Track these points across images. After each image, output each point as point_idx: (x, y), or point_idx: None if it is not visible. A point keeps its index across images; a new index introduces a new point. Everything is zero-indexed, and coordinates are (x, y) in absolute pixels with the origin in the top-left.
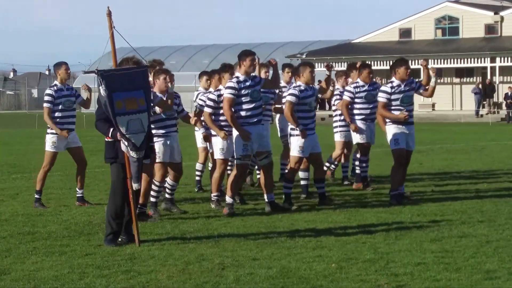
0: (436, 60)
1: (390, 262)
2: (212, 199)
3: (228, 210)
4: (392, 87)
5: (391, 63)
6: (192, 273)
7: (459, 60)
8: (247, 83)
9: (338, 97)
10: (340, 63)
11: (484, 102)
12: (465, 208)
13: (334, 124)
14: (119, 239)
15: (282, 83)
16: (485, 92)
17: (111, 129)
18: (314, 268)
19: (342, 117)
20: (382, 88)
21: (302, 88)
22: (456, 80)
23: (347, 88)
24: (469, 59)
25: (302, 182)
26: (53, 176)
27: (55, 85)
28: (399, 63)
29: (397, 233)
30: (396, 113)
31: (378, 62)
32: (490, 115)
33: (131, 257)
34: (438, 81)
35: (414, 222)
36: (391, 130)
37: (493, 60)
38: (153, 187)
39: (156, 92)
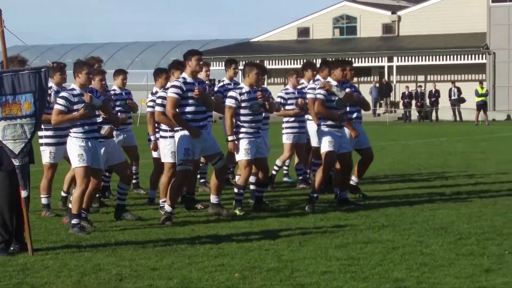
0: (334, 59)
1: (295, 271)
2: (161, 205)
3: (166, 219)
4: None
5: (289, 63)
6: (88, 285)
7: (356, 59)
8: (194, 86)
9: (279, 99)
10: (238, 62)
11: (381, 101)
12: (369, 212)
13: (283, 126)
14: (11, 248)
15: (226, 80)
16: (382, 91)
17: None
18: (217, 278)
19: (290, 119)
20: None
21: (244, 90)
22: (354, 79)
23: (312, 86)
24: (366, 59)
25: (251, 187)
26: None
27: None
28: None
29: (301, 239)
30: None
31: (276, 61)
32: (387, 114)
33: (23, 268)
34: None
35: (318, 227)
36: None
37: (390, 59)
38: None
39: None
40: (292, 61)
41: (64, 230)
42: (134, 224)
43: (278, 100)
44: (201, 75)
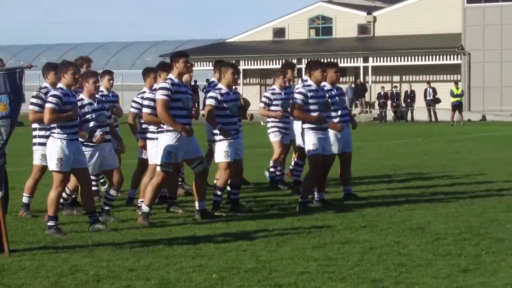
0: (309, 60)
1: (273, 272)
2: (139, 204)
3: (143, 219)
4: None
5: (264, 63)
6: (65, 286)
7: (332, 59)
8: (181, 88)
9: (265, 99)
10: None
11: (357, 102)
12: (346, 212)
13: (268, 125)
14: None
15: (216, 81)
16: (357, 92)
17: None
18: (195, 279)
19: (275, 119)
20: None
21: (223, 91)
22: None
23: (300, 90)
24: (342, 59)
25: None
26: None
27: None
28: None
29: (278, 239)
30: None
31: (252, 61)
32: (363, 114)
33: (0, 269)
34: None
35: (295, 227)
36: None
37: (366, 60)
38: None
39: (85, 97)
40: (268, 61)
41: (41, 230)
42: (111, 225)
43: (264, 100)
44: (184, 77)
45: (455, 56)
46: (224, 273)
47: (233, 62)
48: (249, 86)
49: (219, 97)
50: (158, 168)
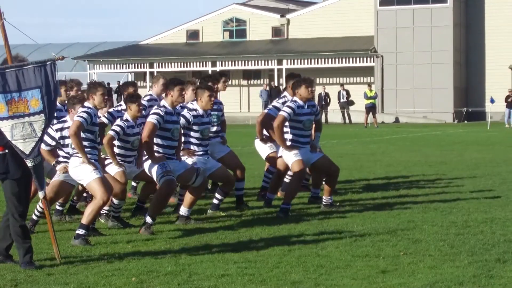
0: (223, 62)
1: (192, 275)
2: (102, 212)
3: (144, 229)
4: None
5: (179, 65)
6: None
7: (246, 62)
8: (172, 118)
9: None
10: (127, 65)
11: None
12: (264, 215)
13: None
14: None
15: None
16: (272, 95)
17: None
18: (114, 283)
19: None
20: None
21: (196, 113)
22: (244, 82)
23: (290, 104)
24: (256, 61)
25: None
26: None
27: None
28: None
29: (197, 242)
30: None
31: (166, 64)
32: None
33: None
34: (227, 83)
35: (214, 230)
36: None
37: (280, 62)
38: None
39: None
40: (182, 64)
41: None
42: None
43: None
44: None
45: (368, 58)
46: (143, 276)
47: (147, 64)
48: None
49: (191, 119)
50: (161, 180)
